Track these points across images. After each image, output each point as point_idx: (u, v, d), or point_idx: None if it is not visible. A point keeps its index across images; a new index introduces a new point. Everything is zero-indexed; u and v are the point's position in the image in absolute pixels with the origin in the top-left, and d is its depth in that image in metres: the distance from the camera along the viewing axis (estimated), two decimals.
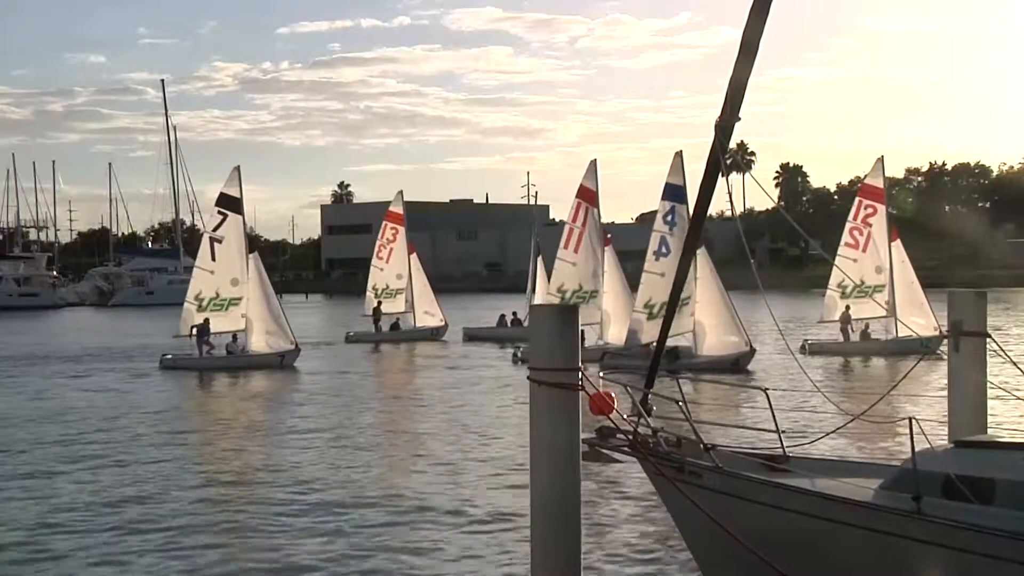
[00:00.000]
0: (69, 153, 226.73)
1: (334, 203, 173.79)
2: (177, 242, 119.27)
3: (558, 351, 9.90)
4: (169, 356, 39.22)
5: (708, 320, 35.04)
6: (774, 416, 11.41)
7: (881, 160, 41.64)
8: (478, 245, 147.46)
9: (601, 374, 11.00)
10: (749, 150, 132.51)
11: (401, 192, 54.66)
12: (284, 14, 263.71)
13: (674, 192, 35.48)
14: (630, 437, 11.00)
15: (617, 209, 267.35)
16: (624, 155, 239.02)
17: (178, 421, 25.86)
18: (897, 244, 40.39)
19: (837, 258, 40.69)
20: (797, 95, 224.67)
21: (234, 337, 39.09)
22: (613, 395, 10.43)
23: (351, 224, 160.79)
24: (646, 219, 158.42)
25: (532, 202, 58.62)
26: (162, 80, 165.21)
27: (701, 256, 35.01)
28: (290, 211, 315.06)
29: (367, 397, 30.62)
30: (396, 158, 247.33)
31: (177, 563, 13.19)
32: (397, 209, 53.50)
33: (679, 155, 36.44)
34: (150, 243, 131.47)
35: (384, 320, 52.60)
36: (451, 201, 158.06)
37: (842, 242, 40.67)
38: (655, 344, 36.59)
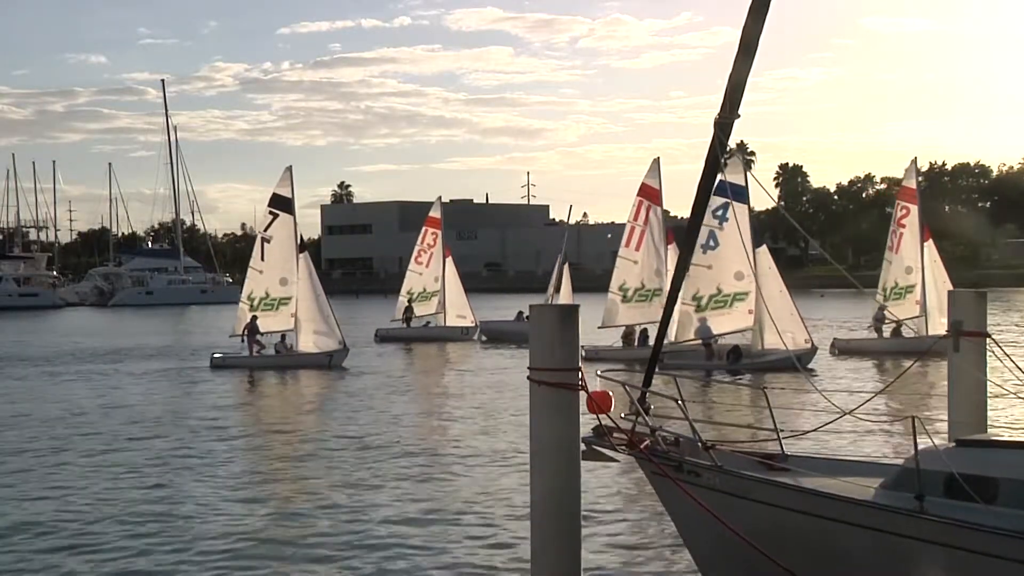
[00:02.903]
0: (69, 153, 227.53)
1: (334, 203, 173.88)
2: (177, 242, 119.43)
3: (558, 351, 9.88)
4: (219, 355, 39.46)
5: (768, 318, 34.99)
6: (772, 415, 11.38)
7: (914, 161, 42.24)
8: (478, 245, 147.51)
9: (599, 373, 10.94)
10: (749, 150, 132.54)
11: (439, 198, 55.35)
12: (285, 14, 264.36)
13: (726, 187, 35.43)
14: (628, 436, 10.97)
15: (617, 209, 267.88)
16: (624, 155, 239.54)
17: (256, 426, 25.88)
18: (929, 244, 40.60)
19: (884, 262, 41.41)
20: (797, 95, 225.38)
21: (283, 337, 39.19)
22: (611, 394, 10.39)
23: (351, 224, 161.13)
24: None
25: (568, 211, 57.83)
26: (162, 80, 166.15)
27: (762, 253, 35.07)
28: None
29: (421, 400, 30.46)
30: (396, 158, 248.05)
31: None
32: (436, 214, 54.04)
33: (740, 155, 36.60)
34: (150, 243, 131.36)
35: (415, 322, 53.01)
36: (451, 201, 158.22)
37: (887, 246, 41.42)
38: (713, 340, 36.39)
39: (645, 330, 40.12)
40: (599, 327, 39.42)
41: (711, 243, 35.13)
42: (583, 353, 35.28)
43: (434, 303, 52.84)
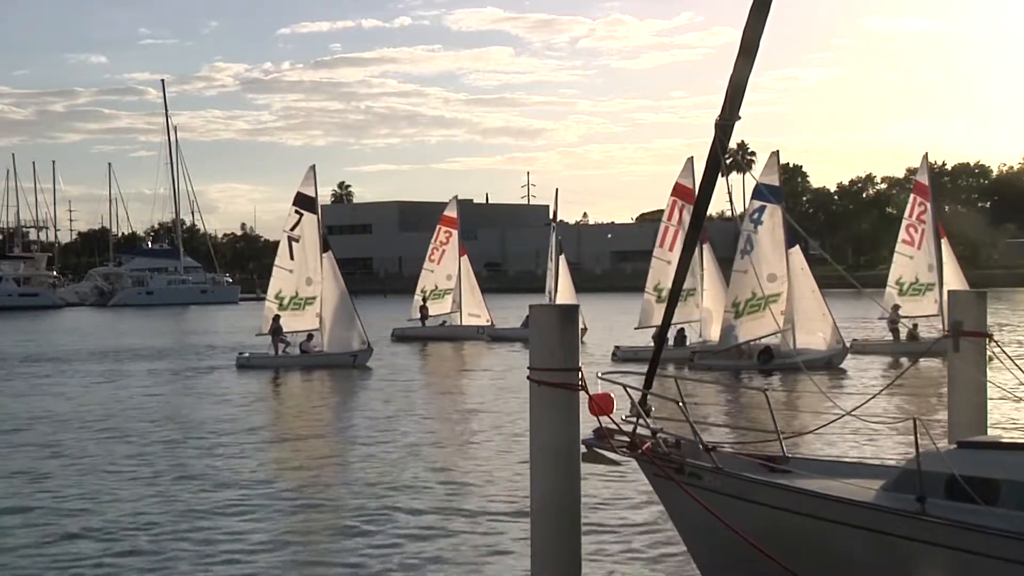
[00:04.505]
0: (69, 153, 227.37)
1: (334, 203, 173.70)
2: (177, 242, 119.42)
3: (558, 351, 9.86)
4: (246, 355, 39.59)
5: (800, 318, 34.71)
6: (773, 417, 11.36)
7: (925, 157, 41.68)
8: (478, 245, 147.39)
9: (599, 374, 10.93)
10: (749, 150, 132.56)
11: (455, 197, 55.48)
12: (285, 14, 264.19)
13: (764, 192, 35.26)
14: (629, 438, 10.95)
15: (617, 209, 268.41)
16: (624, 155, 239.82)
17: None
18: (945, 242, 40.23)
19: (895, 255, 41.04)
20: (797, 95, 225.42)
21: (309, 336, 39.25)
22: (612, 396, 10.37)
23: (351, 224, 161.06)
24: (646, 219, 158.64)
25: (555, 195, 56.31)
26: (163, 80, 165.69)
27: (795, 253, 34.85)
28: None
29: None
30: (396, 158, 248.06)
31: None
32: (451, 213, 54.25)
33: (775, 155, 36.24)
34: (150, 243, 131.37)
35: (430, 321, 53.20)
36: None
37: (899, 239, 40.96)
38: (746, 344, 36.24)
39: (682, 330, 39.86)
40: (636, 328, 39.29)
41: (748, 247, 34.89)
42: (617, 354, 35.42)
43: (448, 301, 53.10)
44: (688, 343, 39.16)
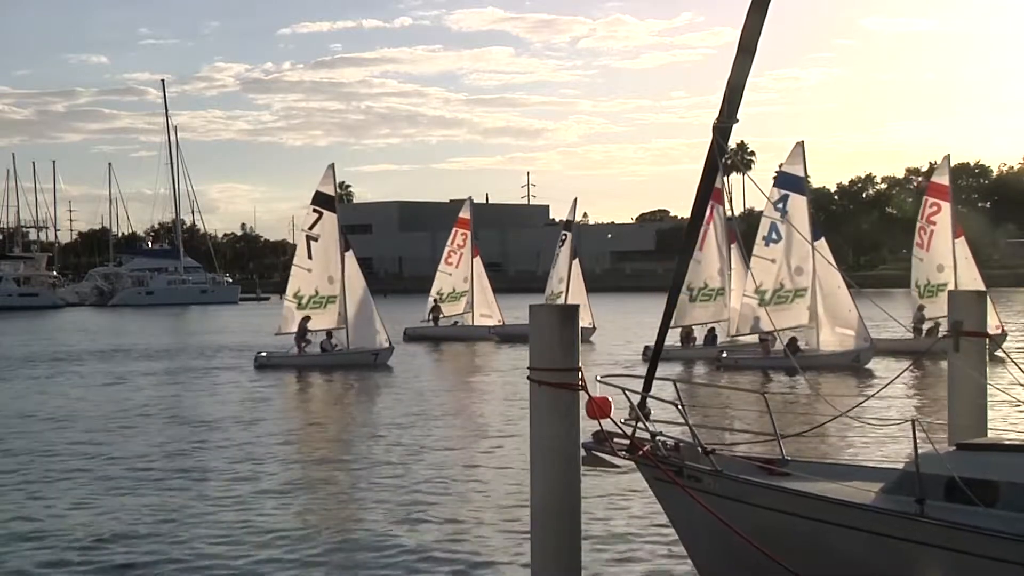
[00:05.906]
0: (69, 153, 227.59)
1: None
2: (177, 242, 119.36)
3: (558, 351, 9.85)
4: (264, 354, 39.37)
5: (826, 314, 34.45)
6: (772, 420, 11.35)
7: (947, 158, 41.17)
8: (478, 245, 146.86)
9: (599, 378, 10.92)
10: (749, 150, 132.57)
11: (470, 198, 55.68)
12: (286, 14, 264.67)
13: (788, 180, 35.02)
14: (628, 441, 10.94)
15: (617, 209, 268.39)
16: (624, 155, 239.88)
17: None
18: (961, 241, 39.80)
19: (913, 258, 40.81)
20: (797, 95, 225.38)
21: (329, 334, 39.16)
22: (610, 399, 10.36)
23: (351, 224, 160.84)
24: (646, 219, 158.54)
25: (573, 204, 55.08)
26: (163, 80, 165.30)
27: (820, 247, 34.47)
28: (290, 211, 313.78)
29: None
30: (396, 158, 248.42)
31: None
32: (465, 215, 54.39)
33: (800, 144, 35.96)
34: (150, 243, 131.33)
35: (443, 322, 53.36)
36: (451, 201, 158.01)
37: (914, 242, 40.74)
38: (770, 339, 35.97)
39: (712, 329, 39.87)
40: (671, 327, 39.03)
41: (774, 235, 34.60)
42: (647, 353, 34.67)
43: (463, 303, 53.24)
44: (718, 342, 39.22)
